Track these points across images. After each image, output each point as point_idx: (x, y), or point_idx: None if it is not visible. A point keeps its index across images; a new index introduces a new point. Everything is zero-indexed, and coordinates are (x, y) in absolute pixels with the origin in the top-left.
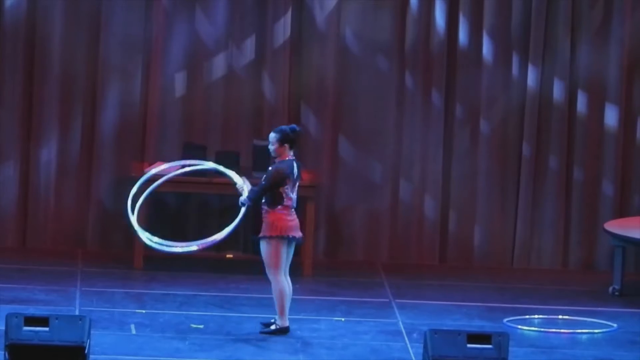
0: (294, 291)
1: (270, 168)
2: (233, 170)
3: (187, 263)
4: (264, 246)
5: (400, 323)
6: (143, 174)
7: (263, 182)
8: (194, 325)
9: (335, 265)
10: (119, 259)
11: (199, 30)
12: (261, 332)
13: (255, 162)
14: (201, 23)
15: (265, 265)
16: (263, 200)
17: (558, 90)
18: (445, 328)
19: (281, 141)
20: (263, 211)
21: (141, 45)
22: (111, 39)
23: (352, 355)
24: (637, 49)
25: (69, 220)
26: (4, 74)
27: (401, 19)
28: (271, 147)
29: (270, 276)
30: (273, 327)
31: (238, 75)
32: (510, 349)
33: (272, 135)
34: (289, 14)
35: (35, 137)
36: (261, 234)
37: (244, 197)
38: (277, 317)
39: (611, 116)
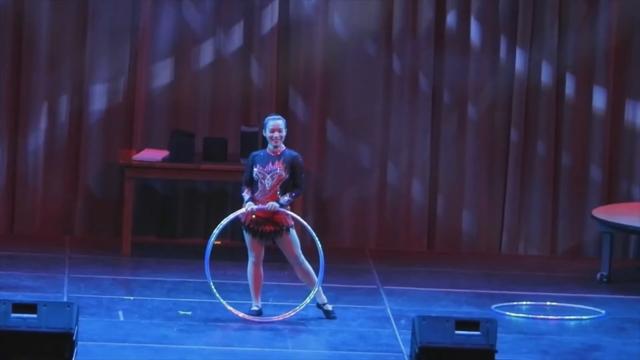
0: (283, 278)
1: (294, 160)
2: (221, 156)
3: (175, 250)
4: (292, 235)
5: (388, 309)
6: (131, 160)
7: (303, 176)
8: (182, 312)
9: (323, 251)
10: (106, 246)
11: (187, 16)
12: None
13: (243, 148)
14: (189, 9)
15: (298, 254)
16: (278, 192)
17: (546, 75)
18: (433, 314)
19: (286, 128)
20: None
21: (129, 32)
22: (99, 26)
23: (339, 342)
24: (625, 33)
25: (56, 207)
26: None
27: (389, 5)
28: (282, 134)
29: (305, 263)
30: (330, 307)
31: (226, 62)
32: (498, 335)
33: (283, 122)
34: (276, 0)
35: (22, 124)
36: (287, 225)
37: (283, 199)
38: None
39: (599, 100)
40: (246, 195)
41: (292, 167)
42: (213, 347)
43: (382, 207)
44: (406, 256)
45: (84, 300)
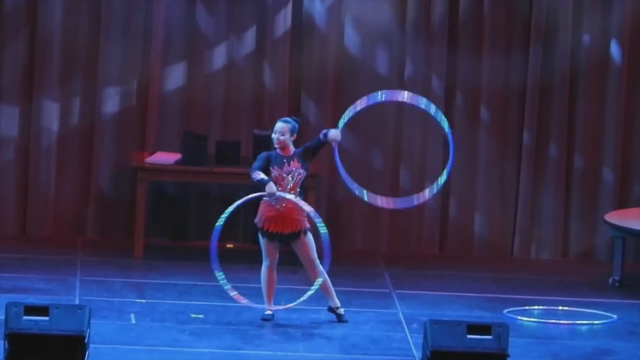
0: (294, 281)
1: (302, 149)
2: (233, 159)
3: (187, 252)
4: (309, 238)
5: (400, 313)
6: (143, 163)
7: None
8: (194, 315)
9: (335, 255)
10: (118, 248)
11: (200, 20)
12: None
13: (255, 151)
14: (202, 13)
15: (314, 258)
16: (299, 191)
17: (559, 76)
18: (444, 318)
19: (292, 132)
20: (301, 204)
21: (141, 35)
22: (112, 29)
23: (351, 345)
24: (638, 32)
25: (68, 209)
26: (4, 62)
27: (401, 7)
28: (284, 137)
29: (321, 267)
30: (342, 310)
31: (238, 65)
32: (510, 339)
33: (288, 126)
34: (289, 5)
35: (35, 125)
36: (304, 228)
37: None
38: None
39: (613, 102)
40: (261, 175)
41: (305, 151)
42: (224, 350)
43: (394, 210)
44: (418, 260)
45: (95, 302)
